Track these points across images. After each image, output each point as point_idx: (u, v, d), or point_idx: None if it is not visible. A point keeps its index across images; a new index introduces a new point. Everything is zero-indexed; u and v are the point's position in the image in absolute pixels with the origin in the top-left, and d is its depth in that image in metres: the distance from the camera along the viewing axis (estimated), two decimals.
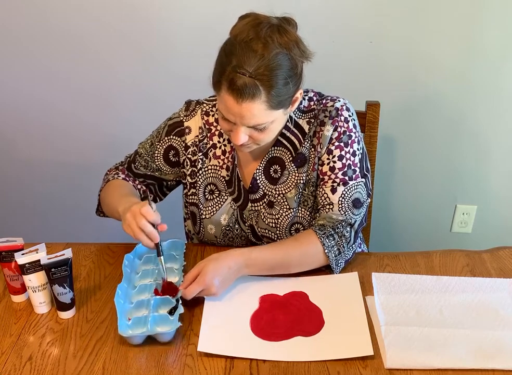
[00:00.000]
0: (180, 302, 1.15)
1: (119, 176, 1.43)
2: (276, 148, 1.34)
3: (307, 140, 1.33)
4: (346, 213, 1.30)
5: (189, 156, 1.39)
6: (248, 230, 1.39)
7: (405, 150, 2.11)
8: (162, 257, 1.21)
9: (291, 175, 1.34)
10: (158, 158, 1.42)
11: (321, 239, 1.26)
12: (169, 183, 1.47)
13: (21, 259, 1.15)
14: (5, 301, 1.24)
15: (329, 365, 1.05)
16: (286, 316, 1.16)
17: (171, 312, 1.16)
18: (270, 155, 1.35)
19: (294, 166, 1.34)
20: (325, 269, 1.30)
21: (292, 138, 1.33)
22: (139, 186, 1.45)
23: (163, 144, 1.41)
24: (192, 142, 1.39)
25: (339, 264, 1.28)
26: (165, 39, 1.95)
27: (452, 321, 1.14)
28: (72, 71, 2.02)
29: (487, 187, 2.15)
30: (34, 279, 1.16)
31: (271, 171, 1.35)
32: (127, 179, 1.44)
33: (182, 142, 1.39)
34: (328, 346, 1.09)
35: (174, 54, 1.97)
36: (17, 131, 2.15)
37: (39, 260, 1.15)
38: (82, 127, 2.13)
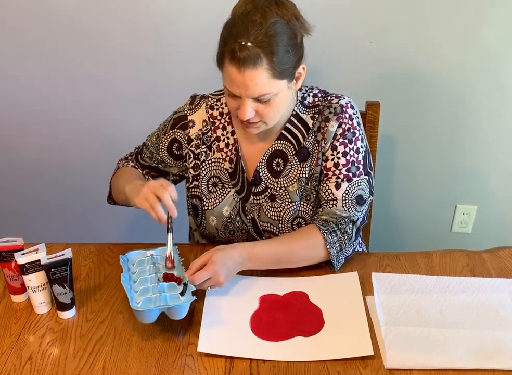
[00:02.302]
0: (188, 280, 1.15)
1: (129, 164, 1.49)
2: (279, 141, 1.36)
3: (311, 134, 1.34)
4: (350, 209, 1.31)
5: (192, 149, 1.41)
6: (250, 224, 1.40)
7: (405, 150, 2.11)
8: (170, 234, 1.19)
9: (293, 168, 1.35)
10: (163, 150, 1.45)
11: (324, 234, 1.27)
12: (172, 177, 1.49)
13: (21, 259, 1.15)
14: (5, 301, 1.24)
15: (329, 365, 1.05)
16: (286, 316, 1.16)
17: (181, 293, 1.14)
18: (273, 149, 1.36)
19: (297, 160, 1.35)
20: (325, 265, 1.31)
21: (296, 132, 1.35)
22: (146, 176, 1.49)
23: (168, 137, 1.44)
24: (195, 136, 1.41)
25: (340, 261, 1.29)
26: (166, 39, 1.94)
27: (452, 321, 1.14)
28: (72, 70, 2.02)
29: (487, 187, 2.15)
30: (34, 279, 1.16)
31: (273, 164, 1.37)
32: (136, 167, 1.49)
33: (185, 136, 1.42)
34: (328, 346, 1.09)
35: (175, 53, 1.97)
36: (17, 131, 2.15)
37: (39, 260, 1.15)
38: (83, 128, 2.13)
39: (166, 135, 1.44)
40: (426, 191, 2.18)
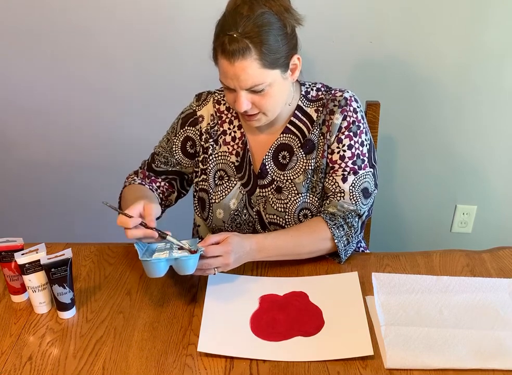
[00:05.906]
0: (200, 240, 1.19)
1: (135, 182, 1.45)
2: (284, 134, 1.38)
3: (315, 127, 1.36)
4: (357, 203, 1.33)
5: (202, 143, 1.43)
6: (256, 217, 1.41)
7: (405, 150, 2.11)
8: (168, 236, 1.18)
9: (299, 161, 1.37)
10: (177, 151, 1.45)
11: (331, 229, 1.29)
12: (190, 176, 1.50)
13: (21, 259, 1.15)
14: (5, 301, 1.24)
15: (329, 365, 1.05)
16: (286, 316, 1.16)
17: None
18: (278, 142, 1.38)
19: (302, 153, 1.37)
20: (329, 256, 1.34)
21: (300, 125, 1.37)
22: (158, 184, 1.46)
23: (179, 137, 1.44)
24: (205, 130, 1.43)
25: (347, 254, 1.33)
26: (167, 41, 1.95)
27: (452, 321, 1.14)
28: (74, 68, 2.02)
29: (487, 187, 2.15)
30: (34, 279, 1.16)
31: (279, 157, 1.39)
32: (143, 182, 1.45)
33: (197, 131, 1.43)
34: (327, 346, 1.09)
35: (175, 55, 1.97)
36: (18, 130, 2.15)
37: (39, 260, 1.15)
38: (83, 127, 2.13)
39: (178, 135, 1.44)
40: (426, 191, 2.18)
